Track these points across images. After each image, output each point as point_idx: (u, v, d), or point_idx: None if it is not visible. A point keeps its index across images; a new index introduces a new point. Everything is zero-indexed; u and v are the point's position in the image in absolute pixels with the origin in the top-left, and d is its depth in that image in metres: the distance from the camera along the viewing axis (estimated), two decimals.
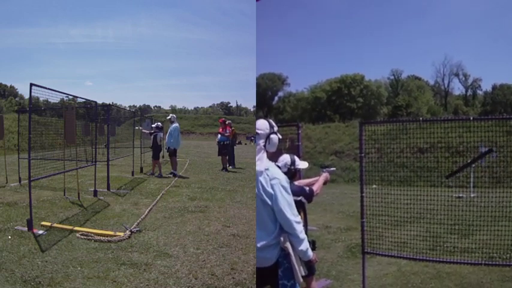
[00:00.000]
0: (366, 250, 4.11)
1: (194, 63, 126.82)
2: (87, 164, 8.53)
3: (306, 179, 3.69)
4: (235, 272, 3.96)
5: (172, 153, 11.24)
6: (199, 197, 7.84)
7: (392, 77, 51.05)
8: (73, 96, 7.18)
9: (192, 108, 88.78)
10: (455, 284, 4.17)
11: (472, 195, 8.26)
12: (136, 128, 14.17)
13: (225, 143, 13.01)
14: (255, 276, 3.83)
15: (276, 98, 56.36)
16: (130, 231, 5.14)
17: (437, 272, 4.51)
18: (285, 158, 3.33)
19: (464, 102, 49.85)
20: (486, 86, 50.01)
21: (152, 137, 11.69)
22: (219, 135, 13.24)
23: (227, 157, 13.08)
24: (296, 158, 3.38)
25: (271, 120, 2.71)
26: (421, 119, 4.27)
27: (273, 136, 2.64)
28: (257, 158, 2.58)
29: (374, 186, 4.38)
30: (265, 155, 2.61)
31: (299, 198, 3.17)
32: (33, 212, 5.32)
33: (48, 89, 5.76)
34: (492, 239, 4.30)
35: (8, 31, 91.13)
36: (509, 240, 4.13)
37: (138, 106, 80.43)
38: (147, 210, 6.44)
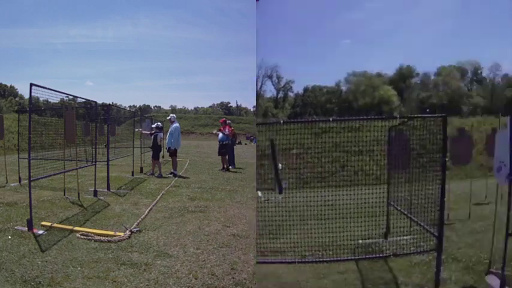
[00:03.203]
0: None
1: (194, 63, 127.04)
2: (87, 164, 8.53)
3: None
4: (235, 272, 3.95)
5: (173, 153, 11.23)
6: (199, 197, 7.84)
7: None
8: (73, 96, 7.18)
9: (192, 108, 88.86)
10: (273, 285, 4.08)
11: (278, 197, 8.14)
12: (136, 130, 14.16)
13: (225, 142, 13.02)
14: (255, 276, 3.84)
15: None
16: (131, 231, 5.14)
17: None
18: None
19: (274, 104, 49.48)
20: (298, 88, 50.03)
21: (152, 137, 11.69)
22: (220, 134, 13.22)
23: (226, 157, 13.09)
24: None
25: None
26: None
27: None
28: None
29: None
30: None
31: None
32: (33, 212, 5.32)
33: (48, 89, 5.76)
34: (303, 238, 4.38)
35: (8, 31, 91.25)
36: (320, 238, 4.25)
37: (138, 106, 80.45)
38: (147, 210, 6.44)
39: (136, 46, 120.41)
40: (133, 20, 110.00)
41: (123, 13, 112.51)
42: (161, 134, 11.92)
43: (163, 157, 13.76)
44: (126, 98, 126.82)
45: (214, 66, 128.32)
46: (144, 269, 3.94)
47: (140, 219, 5.82)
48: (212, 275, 3.87)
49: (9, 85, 64.95)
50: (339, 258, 4.30)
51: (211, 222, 5.87)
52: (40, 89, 5.52)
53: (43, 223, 5.45)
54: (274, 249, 4.71)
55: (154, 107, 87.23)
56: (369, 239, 4.83)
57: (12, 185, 8.79)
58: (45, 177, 6.37)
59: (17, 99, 61.51)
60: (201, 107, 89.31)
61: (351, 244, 4.51)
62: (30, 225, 5.11)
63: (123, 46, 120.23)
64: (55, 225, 5.40)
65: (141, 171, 11.94)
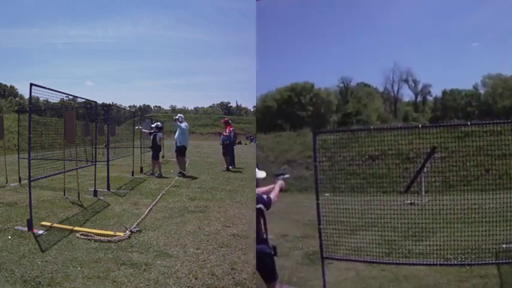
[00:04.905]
0: (324, 255, 4.02)
1: (194, 63, 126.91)
2: (87, 164, 8.53)
3: (262, 187, 3.61)
4: (235, 272, 3.96)
5: (182, 152, 11.16)
6: (199, 197, 7.84)
7: (341, 85, 49.09)
8: (73, 96, 7.18)
9: (192, 108, 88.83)
10: (413, 287, 4.11)
11: (424, 200, 8.15)
12: (136, 127, 14.17)
13: (226, 142, 13.08)
14: (255, 276, 3.84)
15: None
16: (131, 231, 5.14)
17: (394, 276, 4.40)
18: None
19: (414, 108, 49.00)
20: (436, 92, 49.31)
21: (152, 137, 11.67)
22: (222, 136, 13.36)
23: (227, 157, 13.12)
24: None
25: None
26: (371, 127, 4.40)
27: None
28: None
29: (326, 194, 4.33)
30: None
31: (258, 206, 3.21)
32: (33, 212, 5.32)
33: (48, 89, 5.76)
34: (447, 242, 4.29)
35: (8, 31, 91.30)
36: (464, 242, 4.13)
37: (138, 106, 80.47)
38: (147, 210, 6.45)
39: (136, 46, 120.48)
40: (133, 20, 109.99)
41: (123, 13, 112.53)
42: (160, 134, 11.88)
43: (163, 157, 13.77)
44: (126, 98, 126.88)
45: (214, 66, 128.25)
46: (144, 269, 3.94)
47: (140, 219, 5.82)
48: (212, 275, 3.87)
49: (9, 85, 64.94)
50: (481, 262, 4.23)
51: (211, 222, 5.87)
52: (40, 89, 5.52)
53: (43, 223, 5.45)
54: (418, 252, 4.76)
55: (154, 107, 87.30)
56: None
57: (12, 185, 8.79)
58: (45, 177, 6.37)
59: (17, 99, 61.49)
60: (201, 107, 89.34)
61: (493, 248, 4.35)
62: (30, 225, 5.11)
63: (123, 46, 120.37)
64: (55, 225, 5.40)
65: (141, 171, 11.93)
